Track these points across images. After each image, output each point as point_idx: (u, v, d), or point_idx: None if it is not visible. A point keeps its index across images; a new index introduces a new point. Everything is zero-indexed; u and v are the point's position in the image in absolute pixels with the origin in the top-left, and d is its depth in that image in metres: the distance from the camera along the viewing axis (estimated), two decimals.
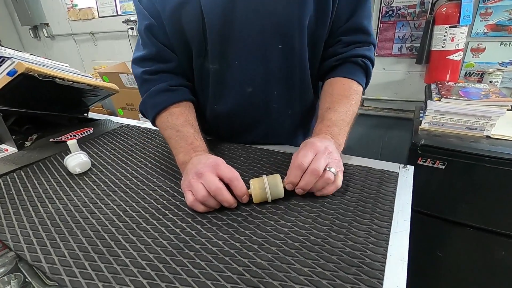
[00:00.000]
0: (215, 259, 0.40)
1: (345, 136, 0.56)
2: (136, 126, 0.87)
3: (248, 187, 0.48)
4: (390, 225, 0.43)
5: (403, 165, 0.59)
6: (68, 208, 0.52)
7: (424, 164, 1.05)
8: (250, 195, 0.48)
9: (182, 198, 0.53)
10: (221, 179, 0.46)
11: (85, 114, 0.96)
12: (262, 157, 0.66)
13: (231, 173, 0.46)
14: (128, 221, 0.48)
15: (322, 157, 0.47)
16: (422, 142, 1.02)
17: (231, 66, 0.62)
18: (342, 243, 0.40)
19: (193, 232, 0.44)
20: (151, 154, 0.69)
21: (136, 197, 0.54)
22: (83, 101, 0.94)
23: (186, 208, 0.50)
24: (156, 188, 0.56)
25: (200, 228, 0.45)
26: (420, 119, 1.19)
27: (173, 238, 0.44)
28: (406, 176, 0.55)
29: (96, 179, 0.60)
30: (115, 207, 0.51)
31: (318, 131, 0.55)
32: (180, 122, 0.58)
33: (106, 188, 0.57)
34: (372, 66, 0.65)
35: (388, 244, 0.40)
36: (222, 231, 0.44)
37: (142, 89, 0.63)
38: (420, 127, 1.11)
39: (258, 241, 0.42)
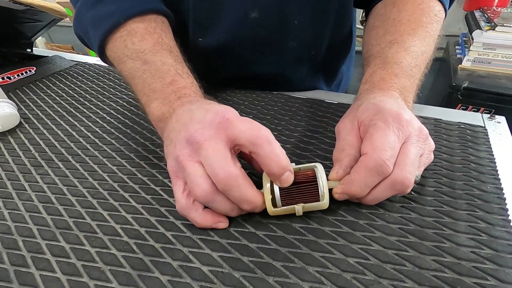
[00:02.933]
0: None
1: (415, 94, 0.34)
2: (95, 64, 0.64)
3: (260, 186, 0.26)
4: (509, 221, 0.25)
5: (487, 115, 0.40)
6: None
7: (450, 109, 0.85)
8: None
9: (161, 171, 0.33)
10: (238, 150, 0.25)
11: (28, 50, 0.72)
12: (273, 103, 0.45)
13: (258, 132, 0.24)
14: (62, 212, 0.29)
15: (415, 150, 0.25)
16: (466, 85, 0.82)
17: None
18: (435, 259, 0.23)
19: (172, 239, 0.26)
20: (111, 103, 0.48)
21: (82, 170, 0.34)
22: (21, 31, 0.69)
23: (166, 190, 0.31)
24: (114, 154, 0.36)
25: (189, 235, 0.27)
26: (459, 56, 0.97)
27: (135, 247, 0.25)
28: (500, 133, 0.36)
29: (25, 141, 0.40)
30: (45, 186, 0.32)
31: (380, 81, 0.32)
32: (149, 47, 0.33)
33: (38, 155, 0.37)
34: None
35: None
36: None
37: None
38: (460, 66, 0.90)
39: (281, 253, 0.24)
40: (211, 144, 0.24)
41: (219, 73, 0.49)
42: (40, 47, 1.90)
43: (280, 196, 0.25)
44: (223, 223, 0.26)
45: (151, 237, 0.26)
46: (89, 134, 0.41)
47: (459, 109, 0.84)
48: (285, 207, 0.25)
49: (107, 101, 0.49)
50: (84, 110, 0.46)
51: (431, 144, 0.27)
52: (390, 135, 0.24)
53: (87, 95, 0.51)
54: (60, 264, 0.24)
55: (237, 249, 0.25)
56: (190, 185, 0.24)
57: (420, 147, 0.25)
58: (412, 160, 0.24)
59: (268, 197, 0.25)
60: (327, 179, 0.26)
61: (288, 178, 0.24)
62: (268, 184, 0.25)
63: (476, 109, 0.83)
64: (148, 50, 0.33)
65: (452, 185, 0.29)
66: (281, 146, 0.35)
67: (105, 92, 0.51)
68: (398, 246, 0.24)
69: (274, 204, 0.26)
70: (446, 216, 0.26)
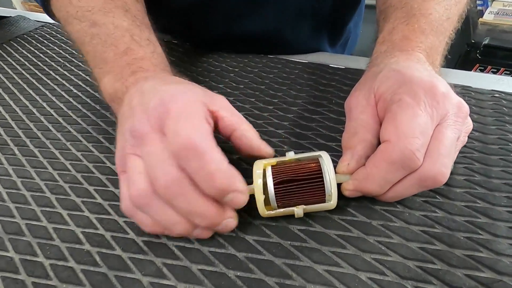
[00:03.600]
0: None
1: (444, 55, 0.27)
2: None
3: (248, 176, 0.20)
4: None
5: None
6: None
7: (482, 73, 0.77)
8: (251, 197, 0.20)
9: None
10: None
11: None
12: (269, 70, 0.38)
13: (187, 140, 0.18)
14: (14, 212, 0.24)
15: (452, 134, 0.19)
16: (486, 42, 0.73)
17: None
18: (470, 274, 0.18)
19: (143, 247, 0.21)
20: (79, 72, 0.41)
21: (41, 157, 0.29)
22: None
23: None
24: (80, 137, 0.31)
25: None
26: (479, 8, 0.87)
27: (98, 259, 0.21)
28: None
29: None
30: None
31: (402, 40, 0.25)
32: (98, 4, 0.27)
33: None
34: None
35: None
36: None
37: None
38: (480, 20, 0.80)
39: (275, 266, 0.19)
40: (152, 139, 0.19)
41: (203, 32, 0.42)
42: (18, 7, 1.74)
43: (276, 196, 0.20)
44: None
45: (118, 245, 0.21)
46: (52, 111, 0.35)
47: (476, 70, 0.76)
48: (281, 209, 0.20)
49: (75, 70, 0.42)
50: (48, 81, 0.40)
51: (469, 124, 0.22)
52: (421, 115, 0.18)
53: (52, 63, 0.44)
54: (6, 282, 0.20)
55: (221, 260, 0.20)
56: (127, 183, 0.20)
57: (457, 129, 0.20)
58: (448, 148, 0.19)
59: (260, 197, 0.20)
60: (335, 173, 0.20)
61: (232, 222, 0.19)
62: (260, 180, 0.20)
63: (495, 70, 0.75)
64: (97, 9, 0.26)
65: (488, 173, 0.23)
66: (277, 123, 0.30)
67: (73, 59, 0.44)
68: (422, 256, 0.19)
69: (268, 204, 0.20)
70: (481, 215, 0.21)
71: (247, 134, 0.21)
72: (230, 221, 0.19)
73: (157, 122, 0.19)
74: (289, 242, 0.20)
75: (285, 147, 0.27)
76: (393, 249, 0.19)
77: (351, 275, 0.18)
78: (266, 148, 0.22)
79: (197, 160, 0.17)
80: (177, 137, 0.18)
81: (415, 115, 0.19)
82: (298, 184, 0.20)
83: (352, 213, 0.22)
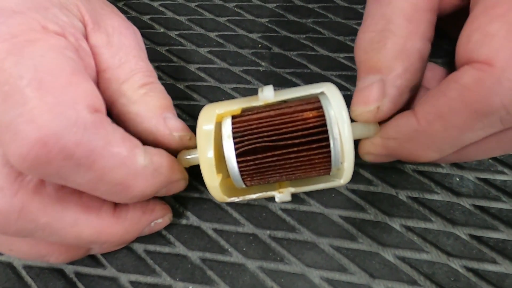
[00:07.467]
0: None
1: None
2: None
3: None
4: None
5: None
6: None
7: None
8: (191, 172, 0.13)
9: None
10: None
11: None
12: None
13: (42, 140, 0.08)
14: None
15: None
16: None
17: None
18: None
19: None
20: None
21: None
22: None
23: None
24: None
25: None
26: None
27: None
28: None
29: None
30: None
31: None
32: None
33: None
34: None
35: None
36: None
37: None
38: None
39: None
40: None
41: None
42: None
43: (242, 174, 0.11)
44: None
45: None
46: None
47: None
48: (253, 195, 0.12)
49: None
50: None
51: None
52: None
53: None
54: None
55: (164, 266, 0.13)
56: None
57: None
58: None
59: (211, 181, 0.11)
60: (350, 120, 0.11)
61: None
62: (211, 152, 0.11)
63: None
64: None
65: None
66: (249, 22, 0.18)
67: None
68: (477, 253, 0.12)
69: (230, 185, 0.12)
70: None
71: (133, 108, 0.12)
72: (159, 222, 0.12)
73: None
74: (268, 232, 0.13)
75: (262, 64, 0.17)
76: (432, 241, 0.12)
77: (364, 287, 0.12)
78: (178, 133, 0.12)
79: (84, 172, 0.09)
80: (20, 137, 0.08)
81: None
82: (282, 153, 0.11)
83: (367, 178, 0.14)
